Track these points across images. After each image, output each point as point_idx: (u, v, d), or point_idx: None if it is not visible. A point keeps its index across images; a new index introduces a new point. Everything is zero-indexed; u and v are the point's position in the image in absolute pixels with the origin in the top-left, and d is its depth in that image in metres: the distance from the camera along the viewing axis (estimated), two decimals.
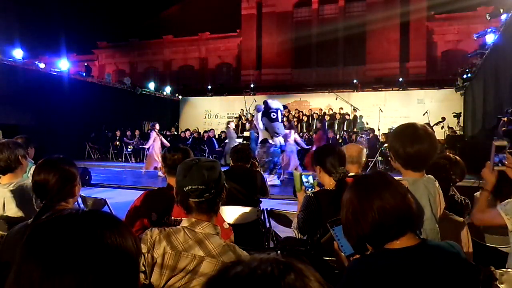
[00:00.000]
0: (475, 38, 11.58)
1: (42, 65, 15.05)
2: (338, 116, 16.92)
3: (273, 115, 9.82)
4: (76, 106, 15.06)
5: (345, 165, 2.71)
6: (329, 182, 2.68)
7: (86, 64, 19.11)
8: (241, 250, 1.64)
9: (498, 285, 2.05)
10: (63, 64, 15.77)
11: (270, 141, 9.82)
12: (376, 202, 1.34)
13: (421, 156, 1.91)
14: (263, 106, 10.15)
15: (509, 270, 2.06)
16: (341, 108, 17.39)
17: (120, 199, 7.01)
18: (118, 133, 16.86)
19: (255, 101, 19.43)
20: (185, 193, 1.60)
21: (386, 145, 13.06)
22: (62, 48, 17.88)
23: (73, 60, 17.00)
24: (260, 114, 9.98)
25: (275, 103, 10.28)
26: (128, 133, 16.93)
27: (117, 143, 16.74)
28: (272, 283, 0.64)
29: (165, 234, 1.61)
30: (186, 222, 1.63)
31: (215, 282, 0.68)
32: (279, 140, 10.13)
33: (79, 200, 4.11)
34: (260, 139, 10.08)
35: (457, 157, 3.08)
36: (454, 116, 15.76)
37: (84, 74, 17.61)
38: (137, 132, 17.09)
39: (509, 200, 2.18)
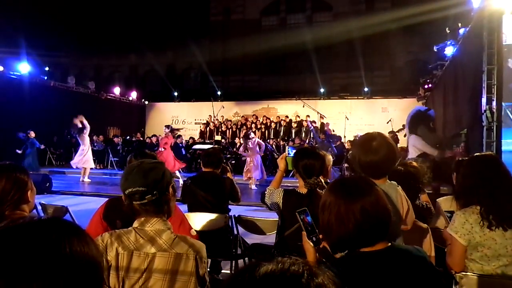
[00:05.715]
0: (435, 50, 12.06)
1: (0, 68, 14.44)
2: (304, 124, 17.12)
3: (432, 124, 7.84)
4: (37, 110, 14.51)
5: (321, 172, 2.71)
6: (302, 185, 2.70)
7: (47, 68, 18.48)
8: (194, 240, 1.63)
9: None
10: (23, 67, 15.17)
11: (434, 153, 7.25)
12: (359, 205, 1.36)
13: (373, 165, 2.01)
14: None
15: (468, 273, 2.14)
16: (308, 116, 17.62)
17: (83, 207, 6.80)
18: None
19: (223, 107, 19.36)
20: (127, 196, 1.58)
21: (351, 152, 13.36)
22: (22, 50, 17.16)
23: (33, 63, 16.35)
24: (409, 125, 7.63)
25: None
26: (95, 138, 16.47)
27: None
28: (303, 283, 0.66)
29: (116, 235, 1.59)
30: (136, 223, 1.62)
31: (243, 278, 0.68)
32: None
33: (39, 207, 3.94)
34: (417, 153, 7.37)
35: (415, 163, 3.14)
36: None
37: (45, 77, 17.02)
38: (101, 138, 16.63)
39: (454, 217, 2.26)
